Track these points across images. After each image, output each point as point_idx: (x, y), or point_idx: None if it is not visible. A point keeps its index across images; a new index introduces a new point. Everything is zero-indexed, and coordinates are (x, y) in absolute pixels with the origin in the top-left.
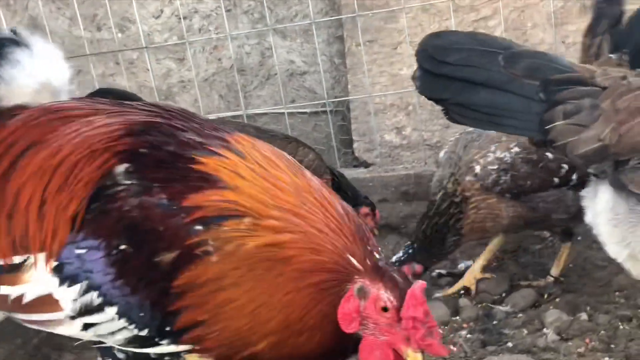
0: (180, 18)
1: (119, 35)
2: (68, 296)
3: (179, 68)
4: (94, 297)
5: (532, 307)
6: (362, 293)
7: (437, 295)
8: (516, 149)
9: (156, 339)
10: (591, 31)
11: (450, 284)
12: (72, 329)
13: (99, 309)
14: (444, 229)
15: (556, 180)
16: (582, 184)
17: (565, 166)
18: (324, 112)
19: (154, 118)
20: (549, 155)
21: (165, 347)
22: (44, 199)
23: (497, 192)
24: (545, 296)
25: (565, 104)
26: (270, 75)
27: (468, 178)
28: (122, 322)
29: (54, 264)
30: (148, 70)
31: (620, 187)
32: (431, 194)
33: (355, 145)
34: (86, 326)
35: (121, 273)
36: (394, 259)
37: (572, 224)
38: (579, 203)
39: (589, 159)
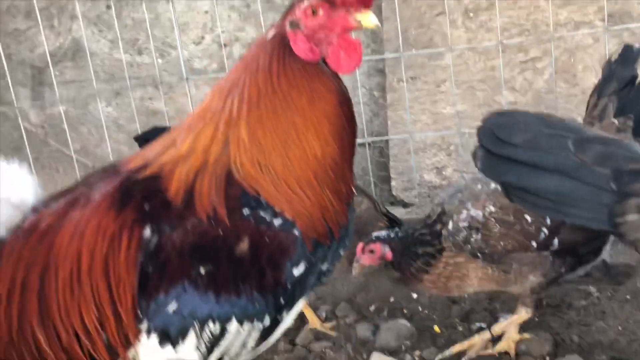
0: (220, 45)
1: (159, 60)
2: (189, 348)
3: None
4: (212, 328)
5: None
6: (293, 24)
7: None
8: (491, 208)
9: (278, 316)
10: (598, 91)
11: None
12: None
13: (222, 332)
14: (422, 249)
15: (534, 244)
16: (567, 250)
17: (546, 230)
18: (362, 144)
19: (110, 180)
20: (528, 217)
21: (288, 315)
22: (99, 308)
23: (468, 251)
24: None
25: (639, 197)
26: None
27: (444, 232)
28: (247, 327)
29: (155, 338)
30: (187, 95)
31: None
32: (429, 214)
33: (393, 183)
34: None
35: (217, 289)
36: (375, 234)
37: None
38: (560, 269)
39: None
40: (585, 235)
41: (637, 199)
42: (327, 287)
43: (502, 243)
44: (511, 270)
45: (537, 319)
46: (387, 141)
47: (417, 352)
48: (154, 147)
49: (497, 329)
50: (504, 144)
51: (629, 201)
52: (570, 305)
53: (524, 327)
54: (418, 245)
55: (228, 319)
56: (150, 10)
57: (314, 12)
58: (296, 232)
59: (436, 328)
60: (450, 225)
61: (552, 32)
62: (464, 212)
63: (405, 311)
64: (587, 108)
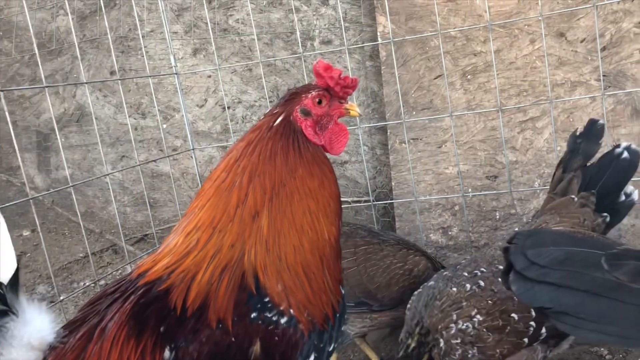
0: (224, 108)
1: (164, 125)
2: None
3: (222, 155)
4: None
5: None
6: (305, 112)
7: None
8: (479, 317)
9: None
10: (564, 165)
11: None
12: None
13: None
14: None
15: (526, 340)
16: (551, 336)
17: (533, 324)
18: (367, 201)
19: (120, 304)
20: (515, 316)
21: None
22: None
23: None
24: None
25: None
26: None
27: (435, 351)
28: None
29: None
30: (191, 157)
31: None
32: (400, 342)
33: None
34: None
35: None
36: None
37: None
38: (546, 352)
39: None
40: None
41: None
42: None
43: (498, 350)
44: None
45: None
46: (392, 203)
47: None
48: (174, 247)
49: None
50: (535, 265)
51: None
52: None
53: None
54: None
55: None
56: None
57: (320, 102)
58: (301, 327)
59: None
60: (442, 344)
61: (550, 94)
62: (452, 327)
63: None
64: (551, 181)
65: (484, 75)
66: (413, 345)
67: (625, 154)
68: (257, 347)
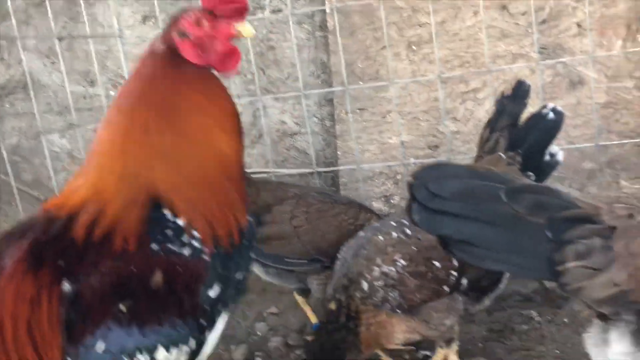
0: None
1: (112, 93)
2: None
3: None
4: (140, 358)
5: None
6: (181, 34)
7: None
8: (402, 262)
9: (202, 337)
10: (491, 125)
11: None
12: None
13: None
14: (342, 345)
15: (446, 288)
16: (472, 288)
17: (455, 273)
18: (312, 174)
19: (18, 243)
20: (436, 263)
21: (212, 334)
22: None
23: (388, 309)
24: None
25: (576, 244)
26: (262, 134)
27: (357, 294)
28: (174, 352)
29: None
30: None
31: None
32: (326, 301)
33: None
34: None
35: (140, 322)
36: None
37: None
38: (468, 305)
39: (607, 304)
40: (485, 269)
41: (574, 246)
42: (279, 318)
43: (418, 295)
44: (430, 320)
45: (481, 345)
46: (337, 172)
47: None
48: (77, 180)
49: (438, 357)
50: (437, 197)
51: (566, 249)
52: (513, 330)
53: (469, 354)
54: (335, 331)
55: (155, 348)
56: (102, 42)
57: (199, 23)
58: (205, 257)
59: (383, 358)
60: (365, 286)
61: (487, 64)
62: (376, 269)
63: None
64: (479, 142)
65: (429, 47)
66: (333, 305)
67: (551, 115)
68: (158, 278)
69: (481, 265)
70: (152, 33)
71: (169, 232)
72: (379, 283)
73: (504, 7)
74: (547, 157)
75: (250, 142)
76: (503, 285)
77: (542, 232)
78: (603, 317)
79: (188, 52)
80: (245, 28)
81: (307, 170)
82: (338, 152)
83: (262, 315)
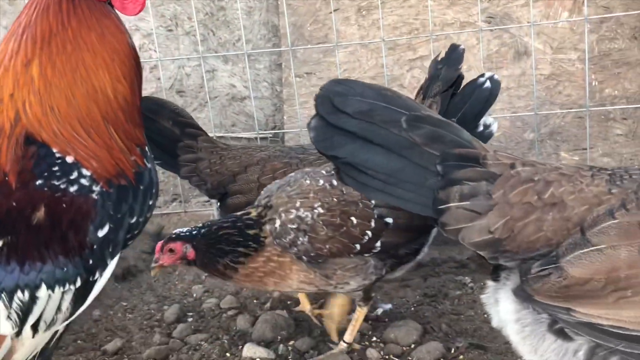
0: None
1: None
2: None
3: None
4: (21, 297)
5: None
6: None
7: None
8: (319, 210)
9: (91, 277)
10: (424, 91)
11: (367, 330)
12: (27, 344)
13: (33, 300)
14: (230, 248)
15: (358, 247)
16: (387, 252)
17: (370, 233)
18: (264, 138)
19: None
20: (354, 219)
21: (102, 275)
22: None
23: (294, 253)
24: (453, 350)
25: (462, 184)
26: (211, 97)
27: (268, 227)
28: (58, 291)
29: None
30: None
31: (525, 298)
32: (253, 203)
33: None
34: (34, 327)
35: (21, 259)
36: (176, 231)
37: (369, 290)
38: (381, 271)
39: (483, 249)
40: (406, 237)
41: (459, 187)
42: (215, 280)
43: (327, 246)
44: (333, 276)
45: (413, 309)
46: (283, 136)
47: (292, 343)
48: None
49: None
50: (339, 113)
51: (452, 188)
52: (446, 295)
53: (400, 317)
54: (237, 231)
55: (37, 286)
56: None
57: None
58: (95, 196)
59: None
60: (278, 224)
61: (430, 31)
62: (293, 212)
63: (289, 302)
64: None
65: (378, 12)
66: (254, 214)
67: (488, 84)
68: (41, 214)
69: (368, 195)
70: None
71: (56, 168)
72: (292, 226)
73: None
74: (481, 128)
75: (199, 105)
76: (421, 257)
77: (433, 165)
78: (495, 278)
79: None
80: None
81: (252, 135)
82: (284, 117)
83: (199, 278)
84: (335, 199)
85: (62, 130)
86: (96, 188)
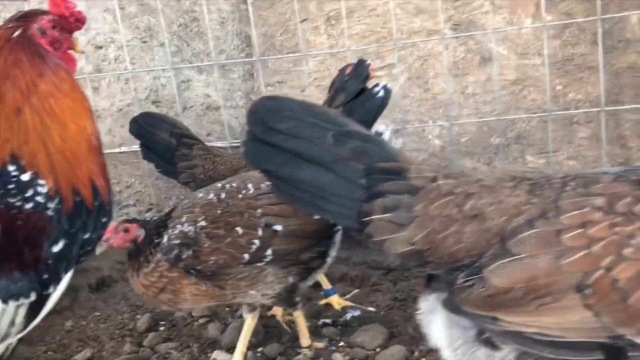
0: (96, 47)
1: None
2: None
3: (94, 97)
4: None
5: None
6: (41, 31)
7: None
8: (202, 223)
9: (44, 291)
10: (329, 102)
11: (335, 335)
12: None
13: None
14: (150, 245)
15: (246, 256)
16: (286, 259)
17: (257, 242)
18: (238, 147)
19: None
20: (239, 230)
21: (56, 289)
22: None
23: (181, 268)
24: (416, 354)
25: (385, 197)
26: (186, 107)
27: (158, 241)
28: (12, 305)
29: None
30: None
31: (454, 308)
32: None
33: None
34: None
35: None
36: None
37: (287, 298)
38: (287, 279)
39: (406, 260)
40: (301, 243)
41: (383, 199)
42: None
43: (213, 258)
44: (227, 286)
45: (383, 313)
46: None
47: (260, 349)
48: None
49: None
50: (268, 129)
51: (376, 201)
52: (415, 299)
53: (370, 321)
54: (151, 233)
55: None
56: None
57: (54, 27)
58: (50, 213)
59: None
60: (165, 240)
61: (394, 39)
62: (178, 227)
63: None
64: None
65: (347, 21)
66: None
67: (381, 93)
68: None
69: (299, 208)
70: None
71: (12, 186)
72: (176, 241)
73: None
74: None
75: (175, 114)
76: (329, 262)
77: (358, 179)
78: (429, 287)
79: (47, 48)
80: (78, 45)
81: (225, 144)
82: None
83: None
84: (219, 211)
85: (52, 161)
86: (51, 205)
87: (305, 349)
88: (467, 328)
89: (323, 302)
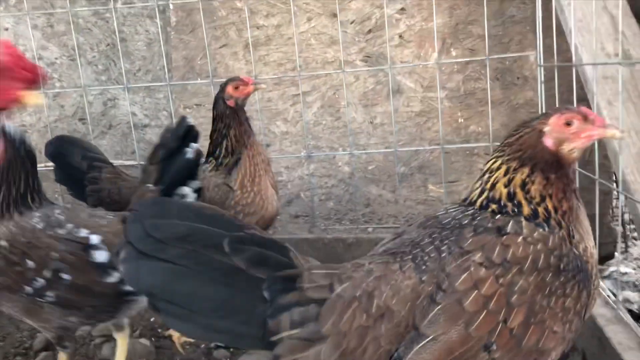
0: None
1: None
2: None
3: (20, 112)
4: None
5: None
6: None
7: None
8: (3, 243)
9: None
10: (149, 158)
11: (225, 358)
12: None
13: None
14: None
15: (29, 289)
16: (69, 305)
17: (42, 281)
18: None
19: None
20: (30, 263)
21: None
22: None
23: None
24: None
25: (292, 310)
26: (112, 125)
27: None
28: None
29: None
30: None
31: None
32: None
33: None
34: None
35: None
36: None
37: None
38: (69, 320)
39: None
40: (85, 300)
41: (290, 313)
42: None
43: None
44: (2, 306)
45: None
46: None
47: None
48: None
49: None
50: (152, 238)
51: (282, 316)
52: None
53: None
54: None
55: None
56: None
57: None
58: None
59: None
60: None
61: (299, 68)
62: None
63: (159, 330)
64: (141, 173)
65: (265, 49)
66: None
67: (190, 155)
68: None
69: (194, 334)
70: (1, 19)
71: None
72: None
73: (334, 15)
74: (176, 197)
75: (100, 132)
76: (119, 320)
77: (260, 291)
78: None
79: None
80: (31, 97)
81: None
82: None
83: None
84: (23, 239)
85: None
86: None
87: None
88: None
89: None
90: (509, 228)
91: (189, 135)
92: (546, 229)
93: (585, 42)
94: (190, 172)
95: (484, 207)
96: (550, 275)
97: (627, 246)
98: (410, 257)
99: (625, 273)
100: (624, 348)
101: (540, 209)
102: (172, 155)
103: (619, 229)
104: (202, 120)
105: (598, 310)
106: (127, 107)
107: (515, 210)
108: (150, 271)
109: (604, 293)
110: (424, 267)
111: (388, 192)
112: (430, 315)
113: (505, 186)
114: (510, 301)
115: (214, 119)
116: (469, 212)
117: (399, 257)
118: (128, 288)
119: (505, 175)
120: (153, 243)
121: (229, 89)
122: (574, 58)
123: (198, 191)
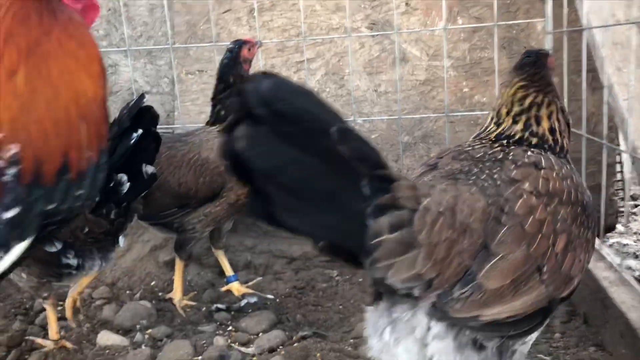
0: None
1: None
2: None
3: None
4: None
5: (272, 350)
6: None
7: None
8: None
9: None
10: (111, 136)
11: (226, 320)
12: None
13: None
14: None
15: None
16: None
17: None
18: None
19: None
20: None
21: (4, 257)
22: None
23: None
24: (293, 338)
25: (390, 213)
26: (113, 92)
27: None
28: None
29: None
30: None
31: (441, 317)
32: None
33: None
34: None
35: None
36: None
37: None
38: None
39: (409, 286)
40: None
41: (388, 216)
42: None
43: None
44: None
45: (278, 300)
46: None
47: (149, 331)
48: None
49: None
50: (278, 116)
51: (381, 218)
52: (313, 288)
53: (264, 308)
54: None
55: None
56: None
57: None
58: (6, 178)
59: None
60: None
61: (304, 34)
62: None
63: (159, 293)
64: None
65: (269, 14)
66: None
67: (133, 139)
68: None
69: (296, 227)
70: None
71: None
72: None
73: None
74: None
75: None
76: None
77: (359, 187)
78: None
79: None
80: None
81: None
82: (176, 113)
83: None
84: None
85: (28, 127)
86: (10, 171)
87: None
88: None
89: (224, 288)
90: (543, 163)
91: (144, 117)
92: (568, 166)
93: (596, 8)
94: (136, 154)
95: (520, 142)
96: (579, 208)
97: (627, 221)
98: (470, 182)
99: (626, 244)
100: (628, 307)
101: (565, 142)
102: (124, 135)
103: (627, 203)
104: (204, 87)
105: (602, 274)
106: (128, 73)
107: (552, 144)
108: (269, 152)
109: (607, 257)
110: (486, 192)
111: (391, 161)
112: (499, 236)
113: (549, 118)
114: (555, 228)
115: (228, 84)
116: (497, 147)
117: (461, 182)
118: None
119: (547, 107)
120: (278, 119)
121: (245, 52)
122: (584, 22)
123: (134, 178)
